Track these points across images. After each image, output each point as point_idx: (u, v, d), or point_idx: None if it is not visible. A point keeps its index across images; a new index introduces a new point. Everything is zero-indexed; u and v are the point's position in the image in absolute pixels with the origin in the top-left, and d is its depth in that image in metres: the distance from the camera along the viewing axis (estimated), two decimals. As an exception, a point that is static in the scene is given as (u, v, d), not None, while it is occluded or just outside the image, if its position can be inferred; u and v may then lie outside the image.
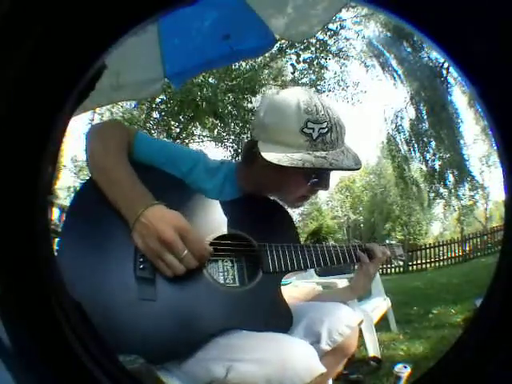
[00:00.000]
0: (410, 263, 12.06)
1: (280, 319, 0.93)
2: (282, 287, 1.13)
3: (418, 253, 12.48)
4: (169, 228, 0.80)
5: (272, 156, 0.93)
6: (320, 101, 0.96)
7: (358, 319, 1.03)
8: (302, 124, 0.92)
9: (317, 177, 0.99)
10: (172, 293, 0.84)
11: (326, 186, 1.03)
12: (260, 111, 1.00)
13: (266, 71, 11.05)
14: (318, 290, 1.33)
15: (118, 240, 0.84)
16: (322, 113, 0.94)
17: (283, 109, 0.95)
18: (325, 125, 0.93)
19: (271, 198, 1.11)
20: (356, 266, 1.15)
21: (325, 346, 0.93)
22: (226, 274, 0.97)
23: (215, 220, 0.96)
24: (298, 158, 0.92)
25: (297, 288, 1.28)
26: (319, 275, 3.13)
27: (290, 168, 0.92)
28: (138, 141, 0.95)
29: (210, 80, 8.61)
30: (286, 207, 1.10)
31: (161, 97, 8.79)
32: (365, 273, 1.11)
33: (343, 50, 11.29)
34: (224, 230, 0.95)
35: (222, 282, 0.94)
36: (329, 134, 0.94)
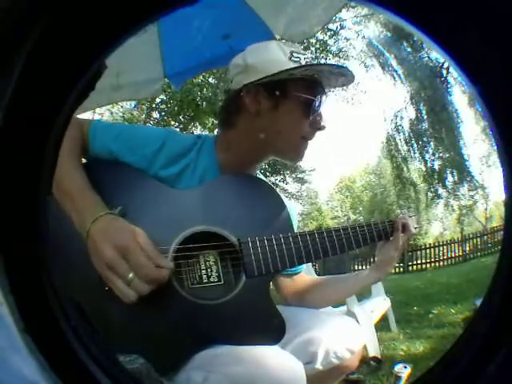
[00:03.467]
0: (410, 263, 12.05)
1: (269, 331, 0.83)
2: (290, 278, 1.03)
3: (418, 253, 12.47)
4: (108, 247, 0.67)
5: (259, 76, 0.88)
6: None
7: (362, 342, 0.94)
8: (289, 54, 0.90)
9: (315, 104, 0.91)
10: (143, 310, 0.74)
11: (321, 122, 0.94)
12: (238, 60, 0.93)
13: (266, 71, 11.06)
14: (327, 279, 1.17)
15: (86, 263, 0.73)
16: (302, 49, 0.97)
17: (265, 45, 0.95)
18: (309, 56, 0.97)
19: (254, 176, 0.99)
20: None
21: (319, 366, 0.86)
22: (208, 271, 0.85)
23: (184, 215, 0.82)
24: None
25: (307, 277, 1.09)
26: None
27: (288, 93, 0.89)
28: (92, 136, 0.86)
29: (209, 80, 8.59)
30: (276, 188, 0.97)
31: (161, 97, 8.77)
32: (394, 246, 0.97)
33: (343, 50, 11.28)
34: (195, 228, 0.81)
35: (205, 280, 0.84)
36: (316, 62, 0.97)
